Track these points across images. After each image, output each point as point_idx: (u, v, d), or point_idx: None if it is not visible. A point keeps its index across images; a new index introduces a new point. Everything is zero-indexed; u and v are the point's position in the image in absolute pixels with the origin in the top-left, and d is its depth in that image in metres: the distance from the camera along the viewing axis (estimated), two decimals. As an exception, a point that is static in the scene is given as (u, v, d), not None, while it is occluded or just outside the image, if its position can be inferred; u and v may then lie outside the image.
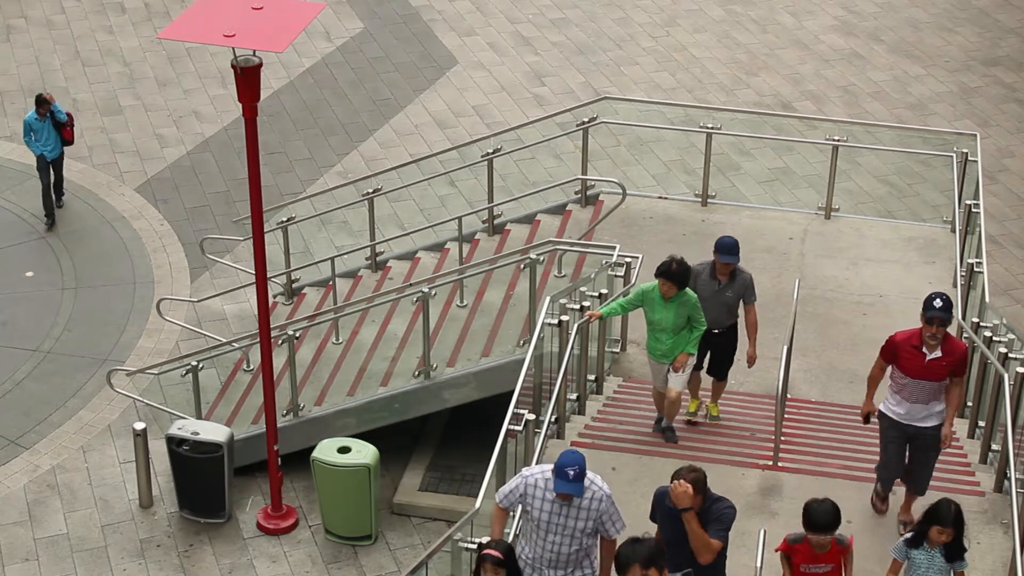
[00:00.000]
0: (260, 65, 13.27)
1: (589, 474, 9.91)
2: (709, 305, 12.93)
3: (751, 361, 13.30)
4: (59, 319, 18.34)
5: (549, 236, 16.89)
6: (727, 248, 12.90)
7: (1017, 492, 11.72)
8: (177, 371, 16.58)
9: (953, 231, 16.81)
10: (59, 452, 16.42)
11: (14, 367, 17.61)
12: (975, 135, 17.51)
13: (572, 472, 9.68)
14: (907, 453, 11.82)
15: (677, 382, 12.89)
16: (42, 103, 19.45)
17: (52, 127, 19.50)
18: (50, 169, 19.71)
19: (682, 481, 9.74)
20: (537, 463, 11.96)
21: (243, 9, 12.96)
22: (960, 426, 14.05)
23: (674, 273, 12.39)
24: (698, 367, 13.42)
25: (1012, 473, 12.13)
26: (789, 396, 14.00)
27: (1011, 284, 19.15)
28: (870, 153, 21.40)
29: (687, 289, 12.53)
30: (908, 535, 10.53)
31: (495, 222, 17.98)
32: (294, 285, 18.52)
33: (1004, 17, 26.24)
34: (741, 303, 13.21)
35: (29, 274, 19.11)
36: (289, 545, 15.28)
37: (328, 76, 23.97)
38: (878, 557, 11.76)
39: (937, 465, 13.12)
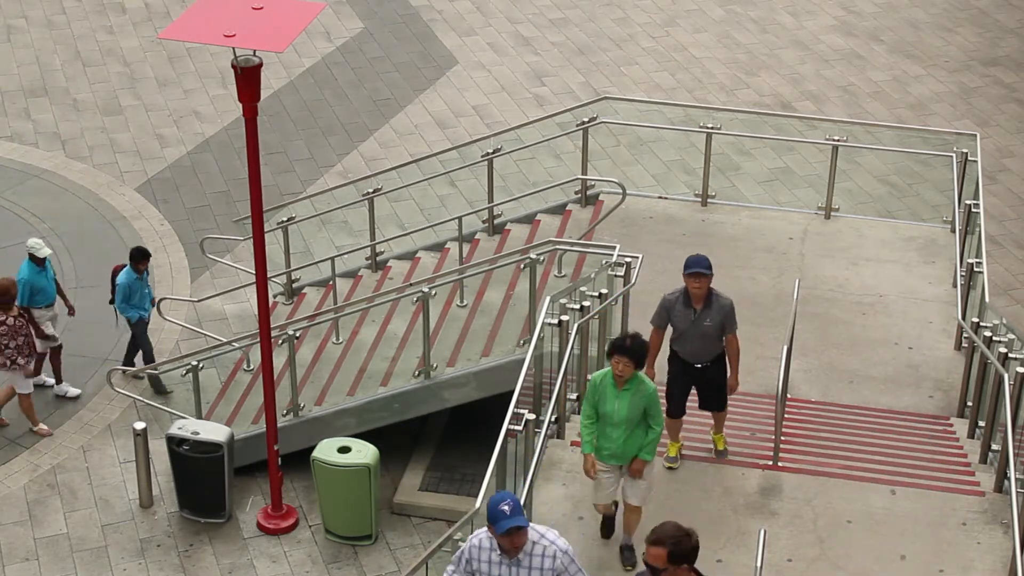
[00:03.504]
0: (260, 65, 13.27)
1: (540, 528, 8.87)
2: (687, 338, 12.12)
3: (732, 390, 12.61)
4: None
5: (549, 236, 16.88)
6: (694, 260, 11.90)
7: (1017, 492, 11.70)
8: (177, 371, 16.59)
9: (953, 231, 16.80)
10: (59, 452, 16.42)
11: (14, 367, 17.60)
12: (975, 135, 17.49)
13: (507, 507, 8.54)
14: None
15: (637, 495, 11.43)
16: (143, 258, 16.49)
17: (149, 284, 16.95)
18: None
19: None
20: (537, 464, 11.98)
21: (243, 9, 12.96)
22: (960, 426, 14.06)
23: (628, 349, 11.01)
24: (681, 412, 12.51)
25: (1012, 473, 12.12)
26: (789, 396, 14.00)
27: (1011, 284, 19.15)
28: (870, 153, 21.39)
29: (644, 377, 11.24)
30: None
31: (495, 222, 17.98)
32: (294, 285, 18.52)
33: (1004, 17, 26.23)
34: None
35: (29, 274, 19.08)
36: (289, 545, 15.28)
37: (328, 76, 23.97)
38: (876, 557, 11.78)
39: (937, 465, 13.17)
